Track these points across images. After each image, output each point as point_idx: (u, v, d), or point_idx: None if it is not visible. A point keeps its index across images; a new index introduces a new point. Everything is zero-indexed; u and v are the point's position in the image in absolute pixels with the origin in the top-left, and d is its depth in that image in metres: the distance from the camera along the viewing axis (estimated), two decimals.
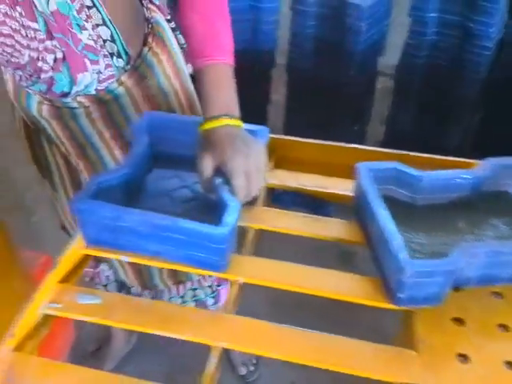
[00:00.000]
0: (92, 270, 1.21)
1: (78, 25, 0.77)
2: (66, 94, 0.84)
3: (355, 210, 0.77)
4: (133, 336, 1.54)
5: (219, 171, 0.69)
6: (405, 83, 1.66)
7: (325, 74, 1.61)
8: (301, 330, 0.62)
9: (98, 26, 0.80)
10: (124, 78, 0.88)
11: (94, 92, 0.86)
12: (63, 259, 0.67)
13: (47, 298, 0.64)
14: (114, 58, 0.84)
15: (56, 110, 0.88)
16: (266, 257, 0.70)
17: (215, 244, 0.62)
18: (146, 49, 0.91)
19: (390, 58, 1.74)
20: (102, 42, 0.82)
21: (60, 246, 1.37)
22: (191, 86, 1.02)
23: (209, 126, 0.72)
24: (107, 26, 0.82)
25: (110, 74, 0.85)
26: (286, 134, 0.96)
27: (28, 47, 0.75)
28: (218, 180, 0.69)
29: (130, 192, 0.73)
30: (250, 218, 0.75)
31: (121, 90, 0.89)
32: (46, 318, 0.64)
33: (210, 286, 1.30)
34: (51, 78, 0.80)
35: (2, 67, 0.90)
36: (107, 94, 0.88)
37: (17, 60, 0.77)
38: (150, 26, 0.92)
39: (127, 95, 0.90)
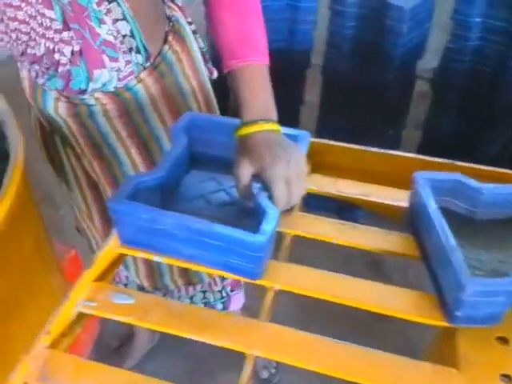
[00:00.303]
0: None
1: (97, 18, 0.76)
2: (83, 91, 0.84)
3: (408, 221, 0.74)
4: (155, 334, 1.55)
5: (257, 176, 0.68)
6: (443, 88, 1.62)
7: (361, 76, 1.58)
8: (335, 342, 0.60)
9: (117, 20, 0.79)
10: (143, 75, 0.87)
11: (112, 89, 0.85)
12: (99, 258, 0.67)
13: (82, 297, 0.63)
14: (133, 53, 0.83)
15: (73, 108, 0.88)
16: (296, 263, 0.69)
17: (252, 252, 0.61)
18: (166, 47, 0.90)
19: (427, 61, 1.70)
20: (121, 38, 0.80)
21: (84, 240, 1.37)
22: (209, 85, 1.01)
23: (246, 131, 0.69)
24: (127, 21, 0.80)
25: (130, 70, 0.84)
26: (318, 135, 0.93)
27: (44, 36, 0.74)
28: (257, 186, 0.67)
29: (167, 193, 0.72)
30: (287, 224, 0.74)
31: (139, 87, 0.88)
32: (81, 316, 0.63)
33: (219, 291, 1.29)
34: (68, 71, 0.80)
35: (19, 64, 0.91)
36: (126, 91, 0.87)
37: (33, 51, 0.77)
38: (170, 24, 0.91)
39: (146, 93, 0.89)
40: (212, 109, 1.02)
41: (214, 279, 1.23)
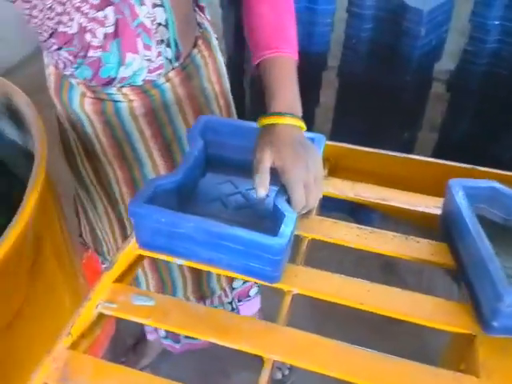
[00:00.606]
0: None
1: None
2: (111, 80, 0.84)
3: (442, 229, 0.74)
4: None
5: (273, 174, 0.68)
6: (460, 90, 1.61)
7: (378, 79, 1.57)
8: (353, 347, 0.60)
9: (156, 6, 0.80)
10: (171, 74, 0.89)
11: (140, 82, 0.86)
12: (119, 259, 0.68)
13: (103, 298, 0.64)
14: (164, 46, 0.84)
15: (99, 104, 0.88)
16: (309, 264, 0.69)
17: (271, 255, 0.61)
18: (195, 50, 0.92)
19: (444, 63, 1.69)
20: (156, 26, 0.81)
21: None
22: (229, 92, 1.04)
23: (271, 121, 0.70)
24: (165, 9, 0.81)
25: (160, 63, 0.85)
26: (333, 137, 0.93)
27: (78, 10, 0.74)
28: (274, 189, 0.68)
29: (184, 196, 0.72)
30: (304, 228, 0.74)
31: (167, 86, 0.89)
32: (100, 317, 0.64)
33: (229, 303, 1.28)
34: (98, 59, 0.80)
35: (45, 59, 0.91)
36: (153, 88, 0.88)
37: (64, 29, 0.76)
38: (200, 30, 0.94)
39: (172, 93, 0.90)
40: (230, 110, 1.04)
41: (225, 290, 1.23)
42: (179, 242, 0.66)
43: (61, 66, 0.85)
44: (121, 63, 0.82)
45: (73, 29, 0.77)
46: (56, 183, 0.99)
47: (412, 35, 1.43)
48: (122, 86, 0.86)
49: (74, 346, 0.60)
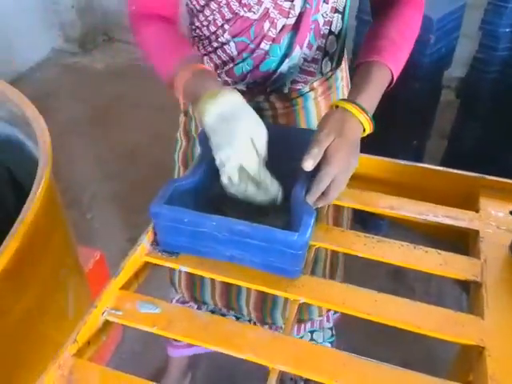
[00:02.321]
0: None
1: None
2: (270, 75, 0.85)
3: None
4: (187, 374, 1.48)
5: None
6: (471, 98, 1.60)
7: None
8: (360, 358, 0.59)
9: (336, 11, 0.83)
10: (316, 84, 0.91)
11: (286, 90, 0.88)
12: (125, 266, 0.67)
13: (109, 305, 0.64)
14: (326, 58, 0.87)
15: None
16: None
17: (294, 250, 0.62)
18: (339, 69, 0.95)
19: (453, 70, 1.68)
20: (326, 32, 0.84)
21: (111, 243, 1.37)
22: None
23: (351, 109, 0.71)
24: (342, 21, 0.84)
25: (312, 68, 0.87)
26: None
27: None
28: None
29: (198, 196, 0.73)
30: (312, 237, 0.73)
31: (311, 94, 0.92)
32: (106, 324, 0.64)
33: (330, 329, 1.27)
34: (265, 53, 0.82)
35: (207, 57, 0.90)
36: (299, 97, 0.90)
37: (247, 14, 0.79)
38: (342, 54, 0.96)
39: (314, 103, 0.93)
40: None
41: (328, 316, 1.22)
42: (201, 240, 0.67)
43: (218, 62, 0.87)
44: (286, 55, 0.83)
45: (256, 14, 0.78)
46: (66, 190, 1.00)
47: (421, 43, 1.43)
48: (271, 93, 0.88)
49: (79, 353, 0.60)
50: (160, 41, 0.80)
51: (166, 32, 0.81)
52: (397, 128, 1.64)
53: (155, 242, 0.72)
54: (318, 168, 0.69)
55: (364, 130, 0.73)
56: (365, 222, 1.78)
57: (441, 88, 1.64)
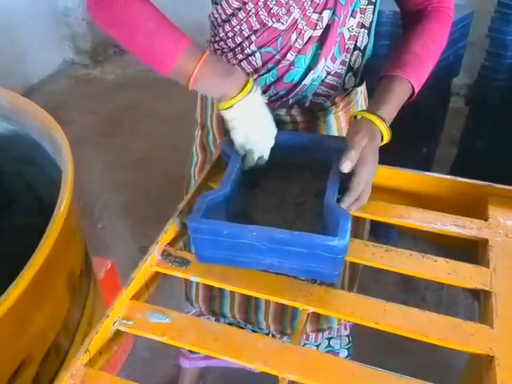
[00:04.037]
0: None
1: (354, 9, 0.81)
2: (293, 86, 0.86)
3: None
4: None
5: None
6: (479, 105, 1.60)
7: None
8: (370, 368, 0.59)
9: (363, 26, 0.84)
10: (338, 99, 0.92)
11: (308, 104, 0.89)
12: (135, 276, 0.68)
13: (120, 314, 0.65)
14: (350, 74, 0.88)
15: None
16: None
17: (334, 254, 0.63)
18: (359, 87, 0.96)
19: (462, 77, 1.68)
20: (351, 46, 0.85)
21: (121, 253, 1.37)
22: None
23: (374, 120, 0.74)
24: (369, 36, 0.85)
25: (334, 81, 0.88)
26: None
27: (300, 3, 0.78)
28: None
29: (228, 206, 0.74)
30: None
31: (332, 109, 0.93)
32: (117, 334, 0.65)
33: (347, 336, 1.26)
34: (290, 63, 0.83)
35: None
36: (320, 111, 0.91)
37: (275, 24, 0.79)
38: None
39: (334, 117, 0.94)
40: None
41: (345, 324, 1.22)
42: (240, 252, 0.67)
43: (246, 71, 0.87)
44: (311, 68, 0.84)
45: (284, 24, 0.79)
46: (77, 199, 1.01)
47: None
48: (292, 106, 0.89)
49: (91, 363, 0.60)
50: (159, 20, 0.72)
51: (161, 14, 0.74)
52: (406, 136, 1.64)
53: (165, 252, 0.73)
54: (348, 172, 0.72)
55: (382, 140, 0.75)
56: (374, 230, 1.77)
57: (449, 95, 1.64)
